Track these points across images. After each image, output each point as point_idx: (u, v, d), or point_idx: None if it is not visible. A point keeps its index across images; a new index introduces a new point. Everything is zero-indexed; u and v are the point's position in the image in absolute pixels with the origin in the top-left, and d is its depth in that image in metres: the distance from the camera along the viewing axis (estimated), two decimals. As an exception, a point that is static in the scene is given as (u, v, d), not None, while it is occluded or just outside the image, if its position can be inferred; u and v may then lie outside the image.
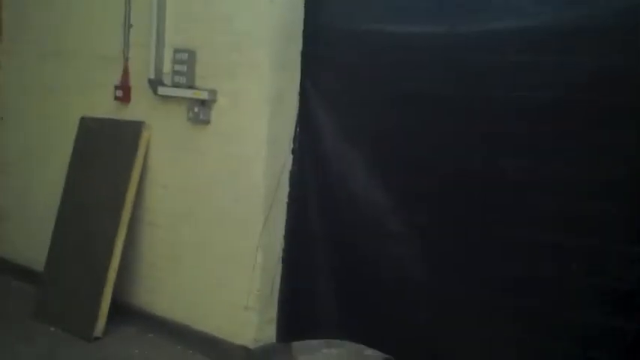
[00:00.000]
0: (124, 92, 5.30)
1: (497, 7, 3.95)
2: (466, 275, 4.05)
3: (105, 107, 5.42)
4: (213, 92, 4.77)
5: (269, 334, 4.69)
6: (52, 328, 5.11)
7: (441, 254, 4.15)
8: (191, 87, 4.88)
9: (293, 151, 4.60)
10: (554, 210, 3.72)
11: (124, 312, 5.16)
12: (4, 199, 6.40)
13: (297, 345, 4.80)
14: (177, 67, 4.95)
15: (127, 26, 5.28)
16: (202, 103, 4.81)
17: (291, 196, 4.62)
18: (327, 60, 4.58)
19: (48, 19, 5.94)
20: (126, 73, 5.31)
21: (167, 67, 5.04)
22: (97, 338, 4.94)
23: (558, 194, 3.72)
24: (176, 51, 4.96)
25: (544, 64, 3.75)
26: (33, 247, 5.72)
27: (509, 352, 3.91)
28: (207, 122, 4.83)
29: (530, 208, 3.81)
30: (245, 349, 4.66)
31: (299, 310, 4.66)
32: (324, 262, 4.56)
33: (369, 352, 4.51)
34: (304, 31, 4.61)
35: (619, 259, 3.55)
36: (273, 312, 4.69)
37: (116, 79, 5.34)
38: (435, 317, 4.15)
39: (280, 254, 4.66)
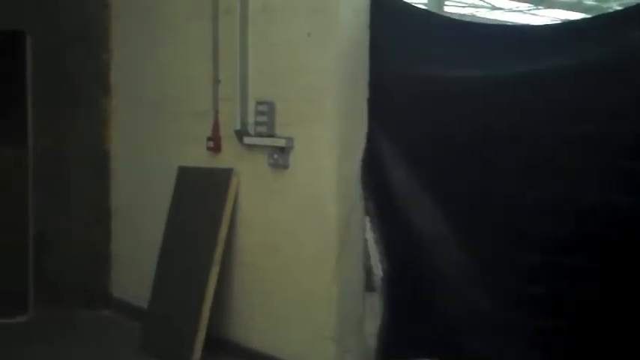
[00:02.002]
0: (215, 143, 5.80)
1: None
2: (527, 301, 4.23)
3: (199, 156, 5.94)
4: (290, 140, 5.19)
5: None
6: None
7: (504, 285, 4.37)
8: (271, 135, 5.32)
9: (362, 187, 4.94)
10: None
11: (219, 346, 5.58)
12: (117, 243, 7.05)
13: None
14: (259, 118, 5.41)
15: (216, 82, 5.79)
16: (281, 149, 5.24)
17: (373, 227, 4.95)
18: (390, 104, 4.90)
19: (150, 77, 6.57)
20: (216, 125, 5.80)
21: (251, 117, 5.50)
22: (193, 369, 5.39)
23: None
24: (258, 103, 5.42)
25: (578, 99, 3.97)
26: (140, 286, 6.24)
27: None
28: (286, 167, 5.25)
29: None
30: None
31: (395, 335, 4.92)
32: (399, 292, 4.83)
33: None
34: (370, 79, 4.96)
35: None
36: (351, 342, 4.98)
37: (208, 130, 5.84)
38: (496, 345, 4.34)
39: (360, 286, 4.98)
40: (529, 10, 26.33)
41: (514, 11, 25.76)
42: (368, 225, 4.94)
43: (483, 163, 4.45)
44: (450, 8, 24.37)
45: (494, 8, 25.35)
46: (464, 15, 26.47)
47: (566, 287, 4.04)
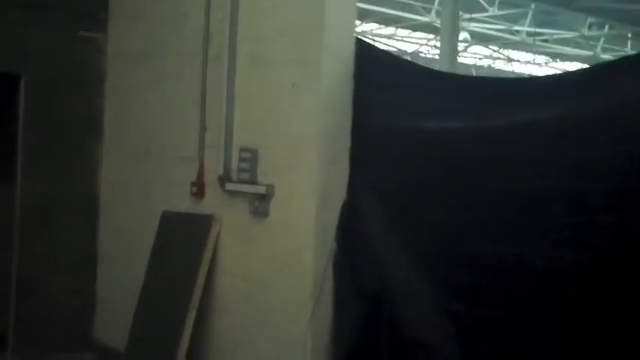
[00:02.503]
0: (198, 188, 5.82)
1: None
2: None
3: (183, 201, 5.95)
4: (271, 187, 5.19)
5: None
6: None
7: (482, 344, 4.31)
8: (253, 182, 5.33)
9: (335, 238, 4.89)
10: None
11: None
12: (102, 287, 7.02)
13: None
14: (242, 165, 5.42)
15: (202, 129, 5.82)
16: (262, 197, 5.24)
17: (336, 280, 4.88)
18: (371, 154, 4.92)
19: (140, 122, 6.64)
20: (201, 171, 5.82)
21: (234, 164, 5.51)
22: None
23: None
24: (241, 150, 5.44)
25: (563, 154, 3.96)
26: (124, 330, 6.16)
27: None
28: (266, 215, 5.24)
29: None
30: None
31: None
32: (374, 348, 4.77)
33: None
34: (352, 130, 4.98)
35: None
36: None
37: (192, 176, 5.86)
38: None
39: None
40: (546, 63, 26.62)
41: (530, 64, 26.03)
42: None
43: (466, 218, 4.42)
44: (467, 59, 24.69)
45: (510, 60, 25.61)
46: (481, 67, 26.71)
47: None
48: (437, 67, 4.79)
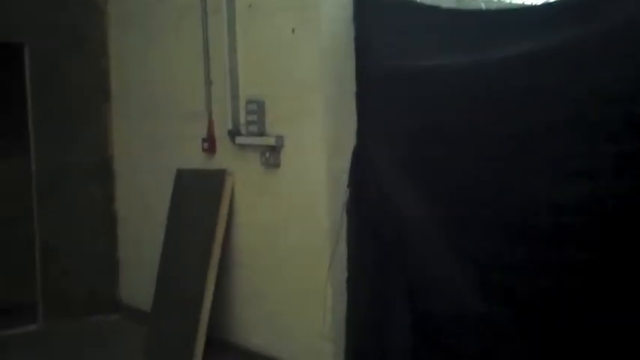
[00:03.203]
0: (209, 144, 5.79)
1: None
2: (519, 302, 4.14)
3: (195, 158, 5.93)
4: (280, 138, 5.15)
5: (345, 361, 4.95)
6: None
7: (493, 282, 4.27)
8: (262, 134, 5.29)
9: (348, 185, 4.86)
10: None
11: (219, 347, 5.57)
12: (123, 249, 7.07)
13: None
14: (250, 118, 5.37)
15: (208, 83, 5.77)
16: (272, 148, 5.20)
17: (349, 227, 4.85)
18: (377, 98, 4.83)
19: (146, 80, 6.59)
20: (211, 126, 5.78)
21: (242, 117, 5.47)
22: (195, 372, 5.38)
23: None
24: (248, 102, 5.39)
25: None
26: (147, 290, 6.23)
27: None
28: (277, 165, 5.21)
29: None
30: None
31: (367, 343, 4.83)
32: (388, 294, 4.77)
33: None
34: (356, 74, 4.90)
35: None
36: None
37: (203, 131, 5.82)
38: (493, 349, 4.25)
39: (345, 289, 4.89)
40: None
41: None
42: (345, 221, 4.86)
43: (475, 156, 4.34)
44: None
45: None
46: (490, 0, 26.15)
47: (551, 283, 3.93)
48: (441, 4, 4.62)
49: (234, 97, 5.51)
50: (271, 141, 5.19)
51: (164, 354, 5.63)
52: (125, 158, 6.97)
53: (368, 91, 4.88)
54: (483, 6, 5.97)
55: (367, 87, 4.88)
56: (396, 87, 4.75)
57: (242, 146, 5.48)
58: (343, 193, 4.86)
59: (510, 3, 5.98)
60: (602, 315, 3.73)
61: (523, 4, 5.03)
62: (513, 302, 4.10)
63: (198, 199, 5.80)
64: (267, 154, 5.25)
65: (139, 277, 6.70)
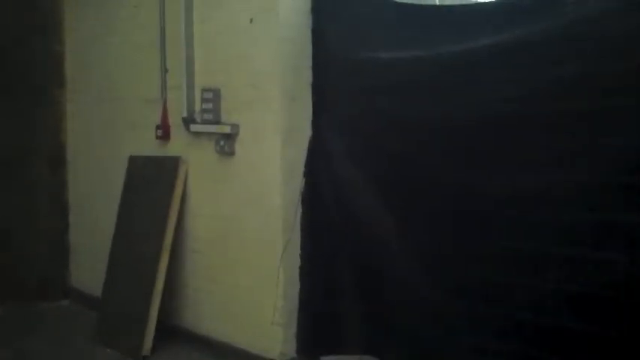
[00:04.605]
0: (163, 131, 5.80)
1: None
2: (466, 288, 4.25)
3: (149, 145, 5.94)
4: (235, 126, 5.19)
5: (295, 348, 5.02)
6: (108, 350, 5.60)
7: (441, 270, 4.39)
8: (217, 122, 5.32)
9: (304, 174, 4.93)
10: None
11: (170, 332, 5.61)
12: (75, 235, 7.04)
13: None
14: (205, 106, 5.40)
15: (164, 71, 5.78)
16: (227, 136, 5.24)
17: (304, 215, 4.94)
18: (333, 89, 4.91)
19: (102, 66, 6.55)
20: (165, 113, 5.79)
21: (198, 105, 5.49)
22: (145, 357, 5.39)
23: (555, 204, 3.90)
24: (203, 90, 5.41)
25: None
26: (97, 276, 6.20)
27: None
28: (232, 154, 5.25)
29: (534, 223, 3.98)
30: (271, 362, 5.02)
31: (319, 327, 4.95)
32: (338, 279, 4.86)
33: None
34: (313, 65, 4.97)
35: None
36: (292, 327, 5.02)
37: (157, 119, 5.83)
38: (442, 331, 4.36)
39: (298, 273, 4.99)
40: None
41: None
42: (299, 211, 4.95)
43: (427, 147, 4.44)
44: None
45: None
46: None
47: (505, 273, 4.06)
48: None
49: (190, 85, 5.53)
50: (226, 129, 5.23)
51: (115, 339, 5.64)
52: (79, 144, 6.93)
53: (324, 82, 4.96)
54: (437, 1, 6.10)
55: (323, 78, 4.96)
56: (351, 78, 4.83)
57: (197, 134, 5.51)
58: (298, 182, 4.94)
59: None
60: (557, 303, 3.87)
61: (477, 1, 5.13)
62: (465, 291, 4.21)
63: (151, 186, 5.81)
64: (222, 142, 5.28)
65: (90, 263, 6.68)
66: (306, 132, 4.99)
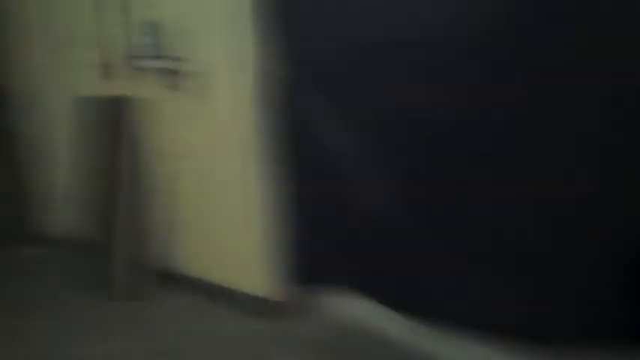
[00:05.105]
0: (105, 69, 5.62)
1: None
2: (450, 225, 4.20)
3: (94, 85, 5.76)
4: (177, 60, 5.04)
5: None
6: (81, 293, 5.55)
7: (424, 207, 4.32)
8: (160, 57, 5.15)
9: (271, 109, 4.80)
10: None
11: (150, 274, 5.57)
12: (37, 184, 6.88)
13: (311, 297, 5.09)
14: (147, 40, 5.22)
15: (98, 9, 5.55)
16: (171, 71, 5.09)
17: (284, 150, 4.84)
18: (292, 18, 4.63)
19: (41, 8, 6.28)
20: (104, 50, 5.60)
21: (139, 40, 5.30)
22: (120, 300, 5.38)
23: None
24: (144, 24, 5.22)
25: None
26: (69, 222, 6.19)
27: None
28: (180, 89, 5.11)
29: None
30: (255, 298, 5.05)
31: (297, 261, 4.95)
32: (313, 212, 4.82)
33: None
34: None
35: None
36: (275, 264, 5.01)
37: (98, 58, 5.64)
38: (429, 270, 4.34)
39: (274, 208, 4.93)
40: None
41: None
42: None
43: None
44: None
45: None
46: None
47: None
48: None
49: (129, 20, 5.33)
50: (171, 63, 5.07)
51: (86, 283, 5.61)
52: (22, 87, 6.71)
53: (282, 10, 4.67)
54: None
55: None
56: (316, 4, 4.55)
57: (140, 70, 5.34)
58: (252, 113, 4.81)
59: None
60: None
61: None
62: (449, 229, 4.18)
63: (100, 126, 5.67)
64: (168, 78, 5.14)
65: (53, 209, 6.58)
66: (257, 61, 4.81)
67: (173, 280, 5.55)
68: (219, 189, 5.13)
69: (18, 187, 6.85)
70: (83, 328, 5.03)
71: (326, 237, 4.81)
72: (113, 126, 5.50)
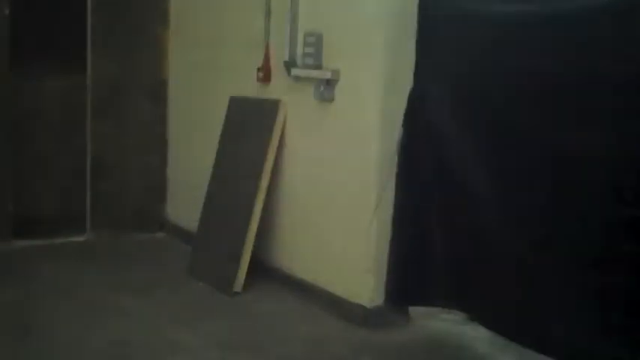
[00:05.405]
0: (264, 74, 5.87)
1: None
2: (555, 248, 4.21)
3: (249, 87, 6.02)
4: (336, 72, 5.21)
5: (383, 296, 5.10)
6: (201, 283, 5.79)
7: (534, 230, 4.35)
8: (318, 67, 5.35)
9: (403, 124, 4.93)
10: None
11: (263, 271, 5.77)
12: (173, 171, 7.24)
13: (414, 309, 5.19)
14: (307, 50, 5.43)
15: (267, 13, 5.82)
16: (327, 82, 5.27)
17: (400, 165, 4.95)
18: (437, 38, 4.85)
19: (205, 8, 6.66)
20: (267, 56, 5.86)
21: (299, 49, 5.53)
22: (236, 293, 5.55)
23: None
24: (306, 34, 5.44)
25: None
26: (194, 211, 6.39)
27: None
28: (331, 100, 5.29)
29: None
30: (363, 308, 5.11)
31: (407, 278, 4.99)
32: (430, 231, 4.88)
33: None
34: (418, 12, 4.92)
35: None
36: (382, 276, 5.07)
37: (258, 61, 5.90)
38: (528, 290, 4.34)
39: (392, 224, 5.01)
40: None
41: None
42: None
43: (536, 109, 4.29)
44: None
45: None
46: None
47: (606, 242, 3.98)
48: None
49: (293, 29, 5.56)
50: (327, 74, 5.25)
51: (207, 273, 5.82)
52: (180, 82, 7.09)
53: (429, 31, 4.89)
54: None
55: (429, 26, 4.89)
56: (458, 28, 4.75)
57: (297, 78, 5.56)
58: (396, 132, 4.94)
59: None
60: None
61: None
62: (553, 254, 4.17)
63: (250, 126, 5.91)
64: (322, 88, 5.32)
65: (186, 198, 6.88)
66: (408, 82, 4.95)
67: (283, 280, 5.71)
68: (341, 198, 5.27)
69: (150, 174, 7.23)
70: (178, 314, 5.22)
71: (436, 256, 4.86)
72: (263, 127, 5.71)
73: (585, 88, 4.07)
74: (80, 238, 6.92)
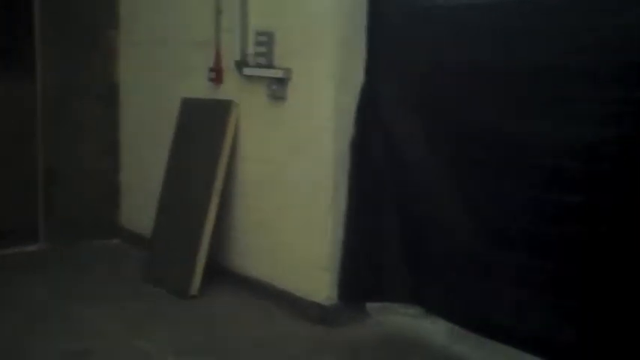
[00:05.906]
0: (216, 74, 5.80)
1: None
2: (513, 238, 4.22)
3: (202, 88, 5.94)
4: (288, 71, 5.17)
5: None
6: (156, 288, 5.69)
7: (488, 221, 4.35)
8: (270, 67, 5.30)
9: (355, 122, 4.90)
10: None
11: (218, 273, 5.70)
12: (126, 175, 7.12)
13: (371, 305, 5.15)
14: (259, 49, 5.38)
15: (218, 12, 5.75)
16: (279, 81, 5.22)
17: (352, 162, 4.94)
18: (387, 35, 4.85)
19: (154, 10, 6.56)
20: (218, 56, 5.78)
21: (251, 49, 5.47)
22: (192, 296, 5.47)
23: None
24: (258, 34, 5.38)
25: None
26: (148, 216, 6.29)
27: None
28: (284, 99, 5.23)
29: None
30: (320, 306, 5.06)
31: (360, 274, 4.99)
32: (384, 226, 4.87)
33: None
34: (368, 9, 4.90)
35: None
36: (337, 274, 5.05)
37: (210, 61, 5.83)
38: (486, 284, 4.35)
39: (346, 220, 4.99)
40: None
41: None
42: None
43: (487, 99, 4.33)
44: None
45: None
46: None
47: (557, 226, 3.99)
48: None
49: (244, 28, 5.50)
50: (279, 73, 5.20)
51: (163, 278, 5.73)
52: (131, 85, 6.97)
53: (379, 28, 4.89)
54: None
55: (378, 23, 4.89)
56: (408, 24, 4.75)
57: (249, 78, 5.50)
58: (349, 129, 4.92)
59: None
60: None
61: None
62: (511, 243, 4.18)
63: (203, 128, 5.84)
64: (274, 87, 5.27)
65: (140, 203, 6.77)
66: (359, 78, 4.94)
67: (240, 282, 5.65)
68: (295, 197, 5.23)
69: (102, 180, 7.11)
70: (135, 321, 5.12)
71: (390, 250, 4.88)
72: (216, 129, 5.64)
73: (527, 78, 4.12)
74: (33, 248, 6.77)
